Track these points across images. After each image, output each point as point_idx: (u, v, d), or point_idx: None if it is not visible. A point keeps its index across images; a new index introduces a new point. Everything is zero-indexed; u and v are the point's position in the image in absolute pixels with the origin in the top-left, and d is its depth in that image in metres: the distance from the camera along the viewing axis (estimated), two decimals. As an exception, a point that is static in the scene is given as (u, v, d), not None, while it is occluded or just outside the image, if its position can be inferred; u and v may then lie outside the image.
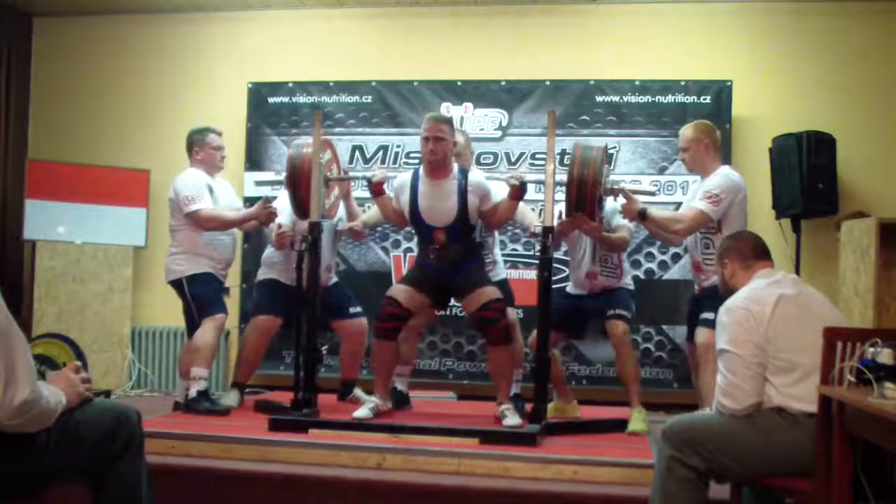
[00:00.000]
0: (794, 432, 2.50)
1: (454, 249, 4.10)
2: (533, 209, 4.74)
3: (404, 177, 4.25)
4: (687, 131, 4.12)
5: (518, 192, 4.03)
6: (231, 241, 4.69)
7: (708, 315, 3.89)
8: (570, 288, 4.48)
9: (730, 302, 2.71)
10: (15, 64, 6.31)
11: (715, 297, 3.87)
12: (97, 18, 6.41)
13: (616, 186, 4.07)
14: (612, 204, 4.28)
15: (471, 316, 4.15)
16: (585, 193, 3.90)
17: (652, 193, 4.17)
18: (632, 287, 4.41)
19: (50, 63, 6.49)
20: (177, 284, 4.51)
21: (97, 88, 6.39)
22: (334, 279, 4.79)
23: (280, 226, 4.44)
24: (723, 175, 3.98)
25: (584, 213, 3.94)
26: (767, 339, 2.56)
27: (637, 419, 4.12)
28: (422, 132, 4.08)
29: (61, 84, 6.44)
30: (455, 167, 4.14)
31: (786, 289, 2.68)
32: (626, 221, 4.25)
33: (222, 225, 4.54)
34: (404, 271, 5.69)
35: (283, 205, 4.51)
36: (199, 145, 4.60)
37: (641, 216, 4.01)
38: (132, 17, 6.38)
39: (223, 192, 4.68)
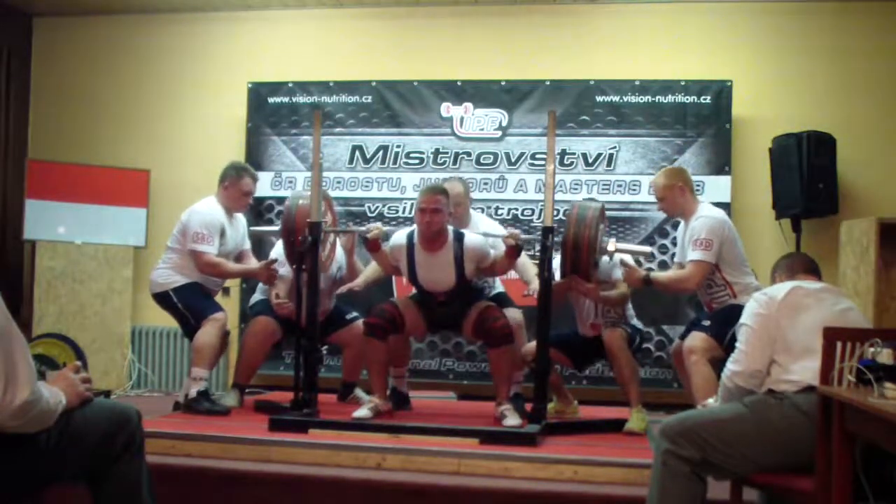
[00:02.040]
0: (786, 412, 2.55)
1: (456, 304, 4.19)
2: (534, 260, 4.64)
3: (399, 239, 4.23)
4: (659, 180, 4.13)
5: (513, 251, 4.05)
6: (221, 280, 4.70)
7: (706, 321, 3.93)
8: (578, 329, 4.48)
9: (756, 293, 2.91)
10: (15, 64, 6.30)
11: (721, 314, 3.90)
12: (97, 18, 6.41)
13: (611, 248, 4.05)
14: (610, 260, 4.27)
15: (472, 324, 4.17)
16: (581, 255, 3.92)
17: (651, 256, 4.17)
18: (639, 326, 4.37)
19: (50, 63, 6.49)
20: (163, 297, 4.48)
21: (97, 88, 6.39)
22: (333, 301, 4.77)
23: (278, 295, 4.44)
24: (704, 218, 3.97)
25: (579, 274, 3.96)
26: (778, 320, 2.71)
27: (636, 418, 4.13)
28: (418, 203, 4.07)
29: (61, 84, 6.44)
30: (450, 233, 4.13)
31: (807, 286, 2.81)
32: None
33: (221, 274, 4.55)
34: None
35: (282, 255, 4.45)
36: (231, 181, 4.55)
37: (646, 283, 4.03)
38: (132, 17, 6.38)
39: (235, 231, 4.63)
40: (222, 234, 4.48)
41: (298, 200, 4.27)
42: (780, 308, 2.72)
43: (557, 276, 4.08)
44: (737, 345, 2.81)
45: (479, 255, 4.13)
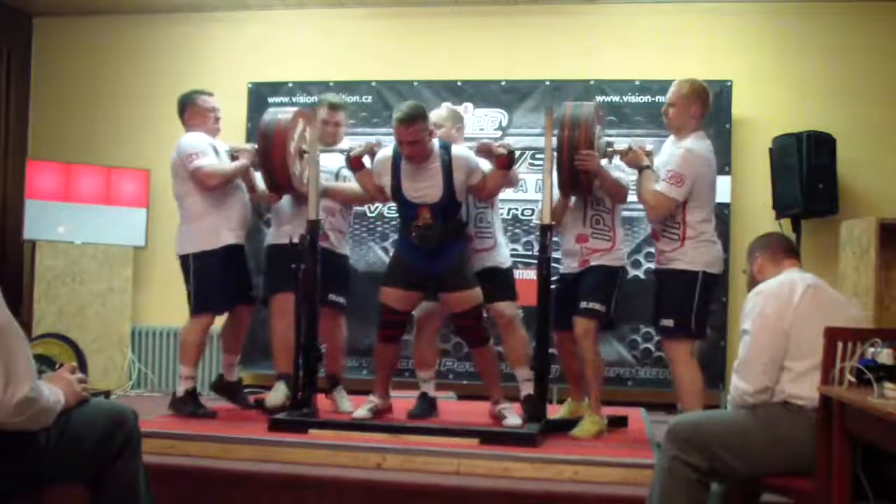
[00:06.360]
0: (797, 425, 2.50)
1: (438, 228, 3.91)
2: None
3: (384, 154, 4.03)
4: (683, 87, 3.90)
5: (505, 161, 3.91)
6: (240, 198, 4.42)
7: (668, 322, 3.81)
8: (562, 268, 4.25)
9: (761, 286, 2.72)
10: (15, 64, 6.31)
11: (675, 289, 3.78)
12: (97, 18, 6.41)
13: (613, 148, 3.90)
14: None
15: (452, 306, 4.03)
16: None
17: (649, 153, 4.02)
18: (623, 261, 4.19)
19: (50, 63, 6.49)
20: (183, 260, 4.34)
21: (97, 88, 6.39)
22: (345, 249, 4.51)
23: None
24: (687, 151, 3.78)
25: (578, 182, 3.83)
26: (792, 324, 2.57)
27: (588, 423, 3.94)
28: (394, 132, 3.88)
29: (61, 84, 6.44)
30: (436, 144, 3.97)
31: (815, 283, 2.69)
32: (622, 175, 4.10)
33: (225, 177, 4.30)
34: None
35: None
36: (190, 109, 4.42)
37: (640, 170, 3.89)
38: (132, 17, 6.38)
39: (225, 156, 4.48)
40: (216, 152, 4.35)
41: (278, 115, 4.01)
42: (796, 314, 2.57)
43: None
44: (741, 357, 2.65)
45: (468, 166, 3.93)
